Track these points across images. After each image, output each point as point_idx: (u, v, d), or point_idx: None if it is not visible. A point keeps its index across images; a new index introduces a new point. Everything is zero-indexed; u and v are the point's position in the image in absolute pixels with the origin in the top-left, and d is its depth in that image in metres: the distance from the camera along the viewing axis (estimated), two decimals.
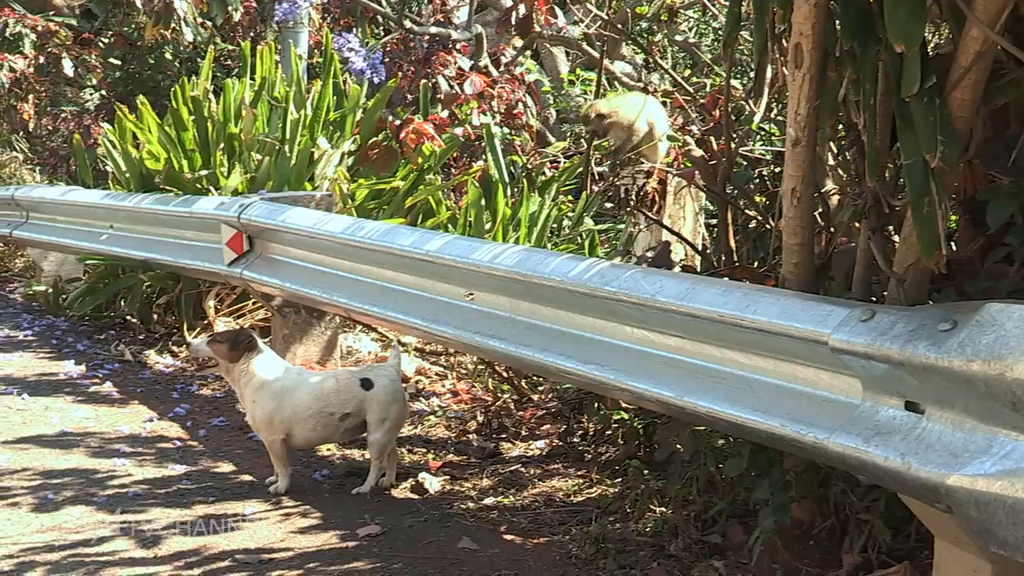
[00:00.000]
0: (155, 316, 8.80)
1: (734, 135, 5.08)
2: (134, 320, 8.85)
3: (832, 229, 4.51)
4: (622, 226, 8.14)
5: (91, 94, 14.04)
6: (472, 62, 9.18)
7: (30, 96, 13.25)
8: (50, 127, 13.53)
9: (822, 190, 4.47)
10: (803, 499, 4.25)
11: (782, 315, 3.66)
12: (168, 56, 13.49)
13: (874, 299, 3.98)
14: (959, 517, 3.05)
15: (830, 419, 3.51)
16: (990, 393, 2.96)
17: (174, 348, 8.20)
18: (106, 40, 13.78)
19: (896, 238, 3.96)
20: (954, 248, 4.10)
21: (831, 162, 4.59)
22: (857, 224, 4.12)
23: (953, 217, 4.06)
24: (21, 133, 13.71)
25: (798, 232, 4.03)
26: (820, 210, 4.44)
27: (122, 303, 9.03)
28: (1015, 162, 3.70)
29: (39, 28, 13.09)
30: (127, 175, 9.21)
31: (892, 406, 3.33)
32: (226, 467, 5.77)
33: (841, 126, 4.19)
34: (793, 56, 3.78)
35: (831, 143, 4.39)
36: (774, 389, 3.77)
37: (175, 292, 8.55)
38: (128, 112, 9.36)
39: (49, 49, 12.98)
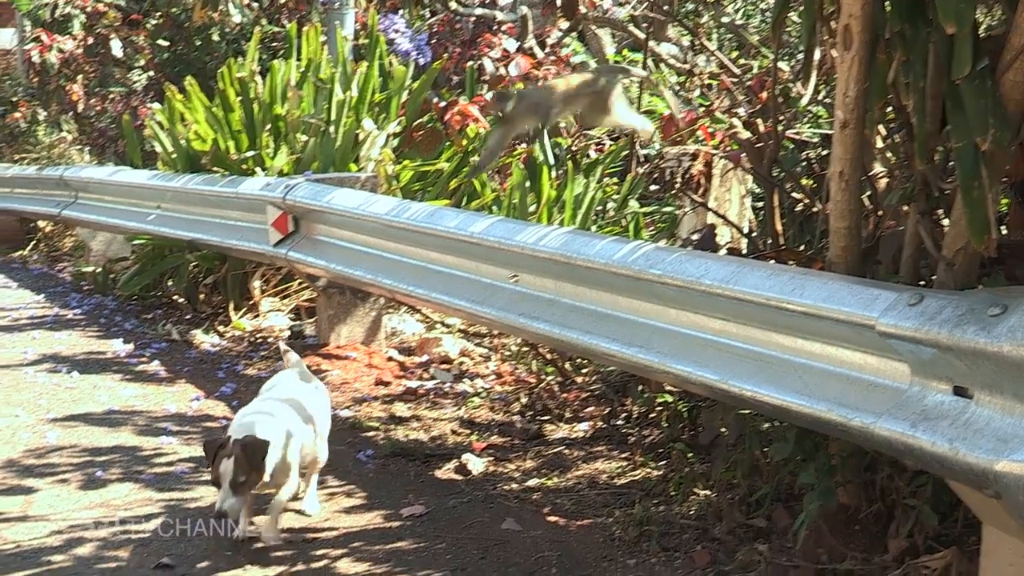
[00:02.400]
0: (201, 296, 8.86)
1: (781, 117, 5.04)
2: (181, 300, 8.92)
3: (880, 212, 4.47)
4: (667, 209, 8.11)
5: (139, 75, 14.14)
6: (517, 44, 9.15)
7: (79, 77, 13.38)
8: (99, 108, 13.64)
9: (870, 173, 4.44)
10: (849, 483, 4.22)
11: (829, 299, 3.64)
12: (215, 37, 13.55)
13: (922, 283, 3.94)
14: (1008, 503, 3.02)
15: (877, 403, 3.48)
16: None
17: (220, 328, 8.26)
18: (154, 21, 13.87)
19: (945, 222, 3.92)
20: (1004, 232, 4.05)
21: (879, 145, 4.55)
22: (906, 207, 4.07)
23: (1004, 200, 4.01)
24: (70, 114, 13.84)
25: (845, 215, 3.99)
26: (868, 193, 4.41)
27: (169, 283, 9.11)
28: None
29: (88, 9, 13.21)
30: (174, 156, 9.27)
31: (940, 391, 3.30)
32: None
33: (890, 108, 4.15)
34: (842, 38, 3.75)
35: (880, 125, 4.35)
36: (820, 373, 3.75)
37: (221, 272, 8.62)
38: (177, 92, 9.41)
39: (98, 30, 13.10)
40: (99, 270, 9.97)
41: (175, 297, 9.01)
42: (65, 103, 13.64)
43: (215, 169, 8.66)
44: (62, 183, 10.63)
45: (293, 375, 5.18)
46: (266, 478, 4.40)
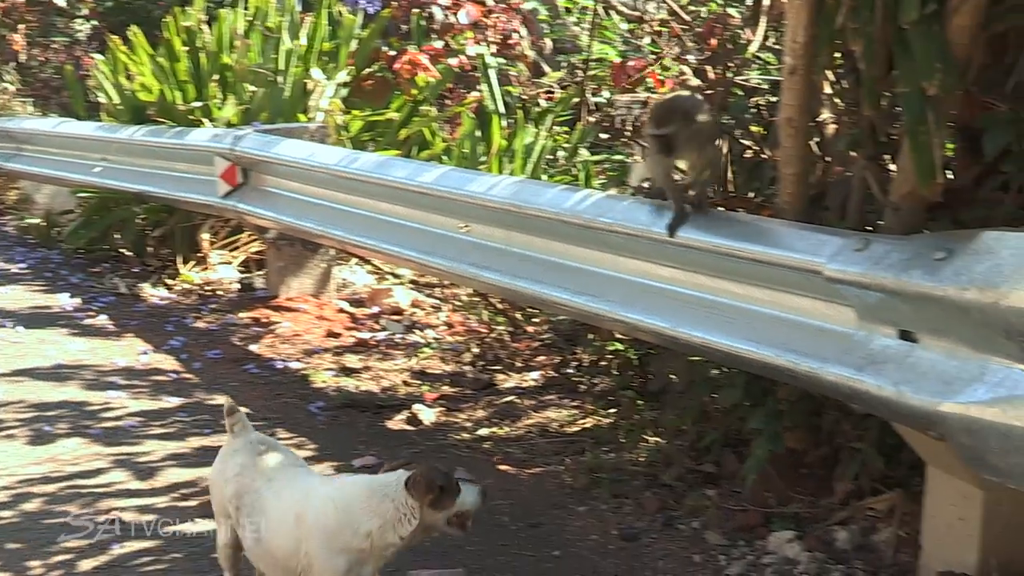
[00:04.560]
0: (149, 249, 8.76)
1: (730, 64, 5.02)
2: (128, 253, 8.82)
3: (828, 158, 4.48)
4: (618, 157, 8.09)
5: (82, 24, 13.90)
6: None
7: (21, 26, 13.13)
8: (41, 58, 13.42)
9: (818, 119, 4.44)
10: (796, 428, 4.27)
11: (777, 245, 3.66)
12: None
13: (869, 228, 3.96)
14: (952, 444, 3.06)
15: (824, 349, 3.51)
16: (984, 321, 2.96)
17: (168, 281, 8.18)
18: None
19: (892, 167, 3.93)
20: (950, 176, 4.06)
21: (828, 91, 4.55)
22: (853, 153, 4.09)
23: (950, 145, 4.02)
24: (12, 64, 13.59)
25: (793, 162, 4.00)
26: (816, 139, 4.41)
27: (116, 236, 9.00)
28: (1013, 89, 3.66)
29: None
30: (120, 107, 9.14)
31: (886, 335, 3.33)
32: (221, 399, 5.70)
33: (838, 54, 4.15)
34: None
35: (828, 71, 4.35)
36: (769, 319, 3.77)
37: (169, 225, 8.52)
38: (120, 43, 9.26)
39: None
40: (44, 223, 9.83)
41: (122, 250, 8.91)
42: (6, 53, 13.39)
43: (161, 120, 8.54)
44: (5, 135, 10.44)
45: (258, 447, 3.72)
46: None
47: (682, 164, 4.07)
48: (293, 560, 3.33)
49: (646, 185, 5.00)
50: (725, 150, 4.83)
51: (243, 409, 5.14)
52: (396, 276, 8.05)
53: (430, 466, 3.36)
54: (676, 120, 3.93)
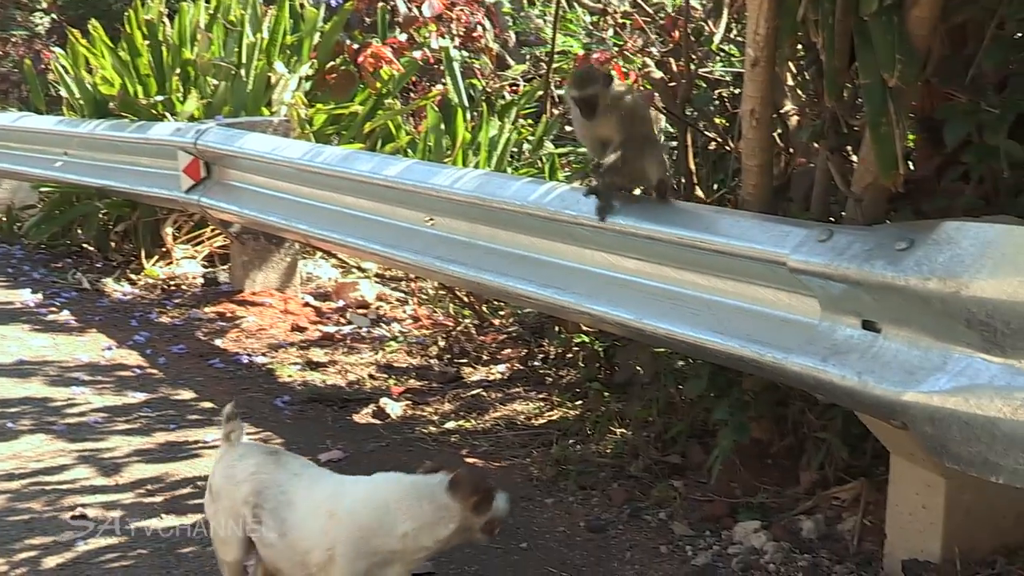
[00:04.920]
0: (112, 244, 8.71)
1: (694, 56, 5.04)
2: (91, 248, 8.76)
3: (791, 150, 4.50)
4: (582, 149, 8.10)
5: (41, 17, 13.78)
6: None
7: None
8: (0, 52, 13.29)
9: (781, 111, 4.46)
10: (761, 418, 4.29)
11: (741, 236, 3.67)
12: None
13: (832, 219, 3.99)
14: (914, 433, 3.09)
15: (788, 339, 3.53)
16: (946, 311, 2.98)
17: (132, 276, 8.13)
18: None
19: (855, 158, 3.96)
20: (912, 167, 4.10)
21: (790, 82, 4.58)
22: (816, 144, 4.11)
23: (911, 136, 4.06)
24: None
25: (757, 153, 4.02)
26: (779, 131, 4.44)
27: (78, 231, 8.94)
28: (972, 80, 3.70)
29: None
30: (80, 101, 9.07)
31: (849, 325, 3.35)
32: (186, 394, 5.76)
33: (800, 46, 4.17)
34: None
35: (790, 63, 4.38)
36: (733, 310, 3.78)
37: (132, 219, 8.47)
38: (80, 37, 9.19)
39: None
40: (4, 218, 9.75)
41: (85, 245, 8.85)
42: None
43: (123, 114, 8.48)
44: None
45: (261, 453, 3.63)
46: None
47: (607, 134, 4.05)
48: (314, 555, 3.28)
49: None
50: (689, 142, 4.87)
51: (208, 404, 5.16)
52: (362, 270, 8.03)
53: (470, 469, 3.31)
54: (596, 84, 3.96)
